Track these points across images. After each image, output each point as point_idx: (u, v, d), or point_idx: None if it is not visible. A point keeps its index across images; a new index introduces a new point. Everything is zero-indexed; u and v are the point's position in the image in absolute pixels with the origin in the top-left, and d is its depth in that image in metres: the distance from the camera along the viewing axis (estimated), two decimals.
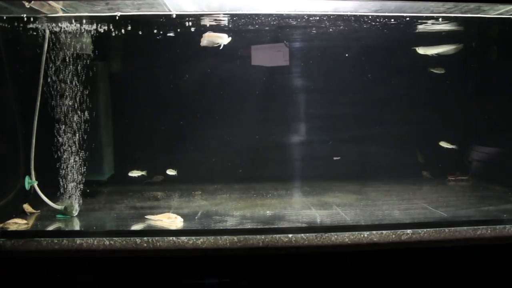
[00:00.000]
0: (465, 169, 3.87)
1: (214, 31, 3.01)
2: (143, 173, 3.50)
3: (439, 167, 3.85)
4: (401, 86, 3.86)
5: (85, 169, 2.94)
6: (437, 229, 2.51)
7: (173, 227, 2.63)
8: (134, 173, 3.50)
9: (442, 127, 3.94)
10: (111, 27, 2.99)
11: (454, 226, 2.53)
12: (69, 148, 2.88)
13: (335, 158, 3.76)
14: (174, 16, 2.82)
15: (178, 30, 3.20)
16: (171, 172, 3.53)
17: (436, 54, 3.41)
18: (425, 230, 2.51)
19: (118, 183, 3.62)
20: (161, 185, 3.64)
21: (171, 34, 3.30)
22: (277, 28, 3.51)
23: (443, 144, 3.62)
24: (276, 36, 3.74)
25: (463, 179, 3.79)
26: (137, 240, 2.41)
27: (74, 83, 2.88)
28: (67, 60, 2.86)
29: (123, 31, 3.05)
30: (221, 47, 3.00)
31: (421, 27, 3.34)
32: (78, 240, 2.40)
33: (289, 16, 3.04)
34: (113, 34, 3.09)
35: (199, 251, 2.42)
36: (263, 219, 2.76)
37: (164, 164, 3.71)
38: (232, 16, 2.94)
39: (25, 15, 2.71)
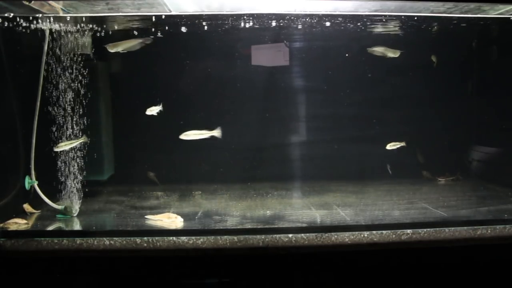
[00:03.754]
0: (454, 169, 3.86)
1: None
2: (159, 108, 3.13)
3: (439, 167, 3.85)
4: (401, 86, 3.87)
5: (85, 169, 2.94)
6: (437, 229, 2.52)
7: (173, 227, 2.63)
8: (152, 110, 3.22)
9: (442, 127, 3.94)
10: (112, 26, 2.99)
11: (454, 226, 2.53)
12: (69, 148, 2.88)
13: (389, 169, 3.77)
14: (174, 16, 2.82)
15: (179, 30, 3.20)
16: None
17: (123, 50, 3.09)
18: (425, 230, 2.51)
19: (118, 183, 3.63)
20: (161, 185, 3.64)
21: (171, 34, 3.30)
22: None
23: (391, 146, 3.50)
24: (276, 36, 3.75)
25: (452, 179, 3.79)
26: (137, 240, 2.41)
27: (74, 83, 2.89)
28: (67, 60, 2.86)
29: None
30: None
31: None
32: (78, 240, 2.40)
33: (289, 16, 3.04)
34: (114, 34, 3.10)
35: (199, 251, 2.42)
36: (263, 219, 2.76)
37: (164, 164, 3.72)
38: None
39: (25, 15, 2.71)
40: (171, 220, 2.71)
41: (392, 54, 3.51)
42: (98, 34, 3.07)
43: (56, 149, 2.80)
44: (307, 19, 3.11)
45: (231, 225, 2.62)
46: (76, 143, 2.87)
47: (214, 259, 2.48)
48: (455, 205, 3.03)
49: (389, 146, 3.51)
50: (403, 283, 2.58)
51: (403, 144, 3.50)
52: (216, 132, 2.93)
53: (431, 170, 3.86)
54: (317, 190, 3.53)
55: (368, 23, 3.19)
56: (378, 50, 3.50)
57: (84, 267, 2.48)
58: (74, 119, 2.91)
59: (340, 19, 3.07)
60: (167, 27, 3.11)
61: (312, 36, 3.73)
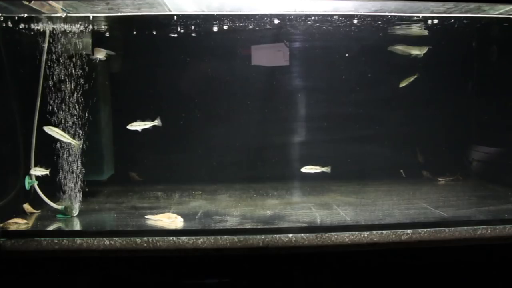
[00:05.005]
0: (454, 169, 3.86)
1: None
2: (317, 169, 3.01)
3: (439, 167, 3.85)
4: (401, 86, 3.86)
5: (85, 169, 2.94)
6: (437, 229, 2.51)
7: (173, 227, 2.63)
8: (309, 169, 3.18)
9: (442, 127, 3.94)
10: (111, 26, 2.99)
11: (454, 226, 2.53)
12: (69, 148, 2.88)
13: (403, 173, 3.78)
14: (174, 16, 2.82)
15: (179, 30, 3.20)
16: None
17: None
18: (425, 230, 2.51)
19: (118, 183, 3.63)
20: (162, 185, 3.65)
21: (172, 34, 3.30)
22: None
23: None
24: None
25: (452, 179, 3.79)
26: (137, 240, 2.41)
27: (74, 83, 2.89)
28: (67, 60, 2.87)
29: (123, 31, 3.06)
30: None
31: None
32: (78, 240, 2.40)
33: (289, 16, 3.04)
34: (114, 34, 3.10)
35: (199, 251, 2.42)
36: (263, 219, 2.76)
37: (164, 164, 3.72)
38: None
39: (25, 15, 2.71)
40: (171, 220, 2.71)
41: (418, 51, 3.39)
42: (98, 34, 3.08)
43: None
44: (307, 19, 3.11)
45: (231, 225, 2.62)
46: None
47: (214, 259, 2.48)
48: (455, 205, 3.03)
49: (305, 169, 3.32)
50: (403, 283, 2.58)
51: (324, 169, 3.34)
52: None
53: (431, 170, 3.86)
54: (317, 190, 3.53)
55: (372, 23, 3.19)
56: (399, 48, 3.41)
57: (84, 267, 2.47)
58: (74, 119, 2.91)
59: (341, 18, 3.08)
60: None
61: (312, 36, 3.73)
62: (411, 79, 3.52)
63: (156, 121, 3.06)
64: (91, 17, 2.82)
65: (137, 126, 3.05)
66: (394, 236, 2.48)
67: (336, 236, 2.46)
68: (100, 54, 3.04)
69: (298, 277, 2.55)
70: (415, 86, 3.86)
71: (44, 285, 2.47)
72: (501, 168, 3.64)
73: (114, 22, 3.04)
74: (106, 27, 3.11)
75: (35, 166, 2.88)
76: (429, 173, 3.85)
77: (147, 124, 3.03)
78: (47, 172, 2.86)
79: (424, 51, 3.40)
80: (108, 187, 3.56)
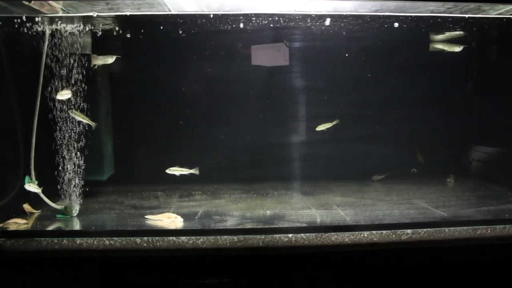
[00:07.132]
0: (454, 168, 3.85)
1: None
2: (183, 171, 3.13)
3: (439, 167, 3.85)
4: (401, 86, 3.86)
5: (85, 169, 2.94)
6: (437, 229, 2.51)
7: (173, 227, 2.63)
8: (174, 170, 3.25)
9: (442, 127, 3.94)
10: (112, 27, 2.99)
11: (454, 226, 2.53)
12: (69, 148, 2.88)
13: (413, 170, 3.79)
14: (174, 16, 2.82)
15: (179, 30, 3.20)
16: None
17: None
18: (425, 230, 2.51)
19: (118, 183, 3.63)
20: (161, 185, 3.64)
21: (171, 35, 3.30)
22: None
23: None
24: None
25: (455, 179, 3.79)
26: (137, 240, 2.41)
27: (74, 83, 2.89)
28: (67, 60, 2.87)
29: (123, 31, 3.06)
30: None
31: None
32: (78, 240, 2.40)
33: (289, 16, 3.04)
34: (114, 34, 3.10)
35: (199, 251, 2.42)
36: (263, 219, 2.76)
37: (164, 164, 3.71)
38: None
39: (25, 15, 2.71)
40: (171, 220, 2.71)
41: (450, 48, 3.48)
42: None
43: None
44: (307, 19, 3.11)
45: (231, 225, 2.62)
46: None
47: (214, 259, 2.48)
48: (455, 205, 3.03)
49: (170, 171, 3.28)
50: (403, 283, 2.58)
51: (192, 171, 3.27)
52: None
53: (431, 170, 3.86)
54: (317, 190, 3.53)
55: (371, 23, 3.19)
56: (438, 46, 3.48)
57: (84, 267, 2.47)
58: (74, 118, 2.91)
59: (340, 19, 3.08)
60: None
61: (311, 36, 3.73)
62: (330, 125, 3.56)
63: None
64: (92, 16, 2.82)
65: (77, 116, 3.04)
66: (394, 236, 2.48)
67: (336, 236, 2.46)
68: (102, 61, 3.08)
69: (298, 277, 2.55)
70: (415, 86, 3.87)
71: (44, 285, 2.47)
72: (501, 168, 3.64)
73: (115, 22, 3.04)
74: (106, 27, 3.10)
75: (34, 167, 2.88)
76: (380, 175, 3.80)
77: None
78: (39, 190, 2.86)
79: (459, 49, 3.48)
80: (108, 187, 3.56)
